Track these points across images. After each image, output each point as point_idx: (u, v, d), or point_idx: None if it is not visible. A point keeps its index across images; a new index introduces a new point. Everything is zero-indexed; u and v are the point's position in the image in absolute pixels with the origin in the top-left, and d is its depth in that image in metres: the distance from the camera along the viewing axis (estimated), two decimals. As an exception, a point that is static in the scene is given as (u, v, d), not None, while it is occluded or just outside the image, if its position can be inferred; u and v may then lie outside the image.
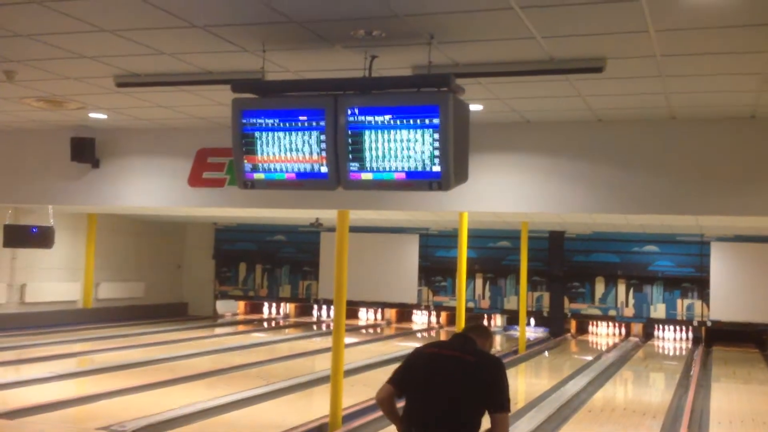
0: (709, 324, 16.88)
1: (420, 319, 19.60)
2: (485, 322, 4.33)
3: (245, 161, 5.22)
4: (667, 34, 4.53)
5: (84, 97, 6.91)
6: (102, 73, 5.93)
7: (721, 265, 16.57)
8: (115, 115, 7.66)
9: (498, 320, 19.02)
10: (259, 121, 5.12)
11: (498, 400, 3.57)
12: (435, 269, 18.54)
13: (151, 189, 8.35)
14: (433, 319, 19.30)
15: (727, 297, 16.46)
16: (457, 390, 3.59)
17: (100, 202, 8.69)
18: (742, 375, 12.87)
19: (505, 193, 7.20)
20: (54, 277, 16.31)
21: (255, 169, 5.23)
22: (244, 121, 5.15)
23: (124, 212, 15.34)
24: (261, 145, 5.15)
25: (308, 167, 5.08)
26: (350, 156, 4.94)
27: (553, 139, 7.06)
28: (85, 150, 8.27)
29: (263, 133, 5.13)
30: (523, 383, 11.86)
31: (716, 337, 16.94)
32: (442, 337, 16.75)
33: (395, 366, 3.87)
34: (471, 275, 17.79)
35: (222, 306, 20.36)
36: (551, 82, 5.69)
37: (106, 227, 17.03)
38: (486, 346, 3.84)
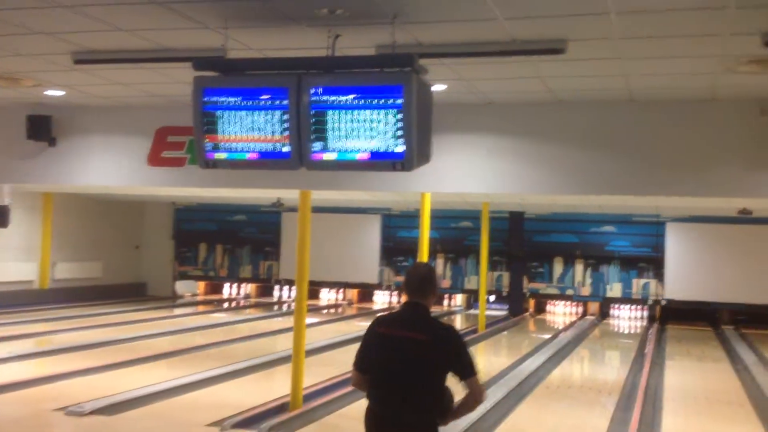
0: (663, 303, 17.22)
1: (381, 299, 19.68)
2: (426, 265, 4.14)
3: (206, 140, 5.18)
4: (627, 16, 4.59)
5: (40, 74, 6.78)
6: (59, 50, 5.82)
7: (676, 245, 16.89)
8: (72, 92, 7.53)
9: (458, 299, 19.19)
10: (221, 99, 5.07)
11: (464, 368, 3.62)
12: (397, 249, 18.62)
13: (109, 168, 8.24)
14: (395, 299, 19.39)
15: (682, 276, 16.80)
16: (415, 371, 3.60)
17: (57, 181, 8.56)
18: (695, 353, 13.17)
19: (467, 174, 7.24)
20: (9, 257, 16.02)
21: (216, 148, 5.18)
22: (206, 99, 5.10)
23: (82, 191, 15.10)
24: (222, 124, 5.11)
25: (270, 147, 5.06)
26: (313, 136, 4.93)
27: (515, 121, 7.11)
28: (42, 128, 8.13)
29: (225, 111, 5.09)
30: (482, 361, 12.00)
31: (671, 316, 17.28)
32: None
33: (356, 345, 3.89)
34: (433, 255, 17.88)
35: (182, 286, 20.21)
36: (513, 63, 5.72)
37: (62, 206, 16.75)
38: (433, 301, 3.77)
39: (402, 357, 3.63)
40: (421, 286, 3.76)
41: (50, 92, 7.55)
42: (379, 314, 3.91)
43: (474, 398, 3.67)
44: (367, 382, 3.77)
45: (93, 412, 7.11)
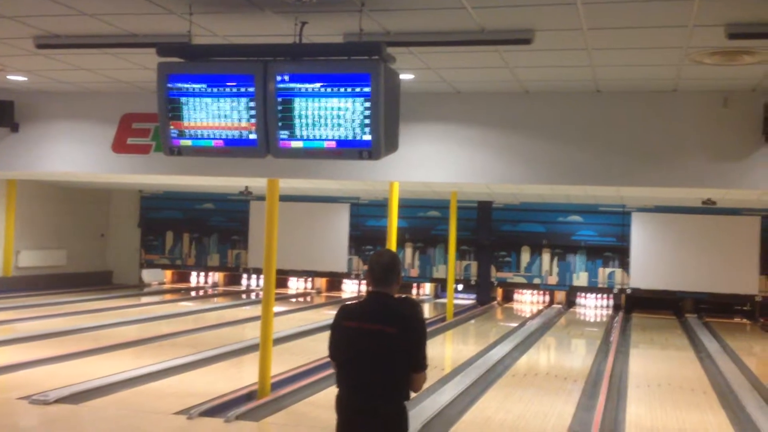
0: (629, 291, 17.42)
1: (350, 288, 19.69)
2: (389, 253, 4.14)
3: (171, 127, 5.13)
4: (594, 6, 4.62)
5: (2, 59, 6.66)
6: (21, 34, 5.72)
7: (641, 235, 17.09)
8: (35, 77, 7.41)
9: (427, 288, 19.26)
10: (186, 86, 5.03)
11: (418, 363, 3.65)
12: (365, 238, 18.61)
13: (73, 154, 8.13)
14: (363, 287, 19.39)
15: (647, 265, 17.01)
16: (384, 362, 3.63)
17: (20, 168, 8.43)
18: (659, 341, 13.35)
19: (434, 163, 7.26)
20: (-29, 245, 15.77)
21: (182, 135, 5.14)
22: (170, 85, 5.05)
23: (46, 178, 14.91)
24: (188, 111, 5.07)
25: (237, 134, 5.03)
26: (280, 123, 4.90)
27: (482, 110, 7.14)
28: (4, 114, 8.01)
29: (190, 98, 5.05)
30: (450, 349, 12.08)
31: (636, 305, 17.50)
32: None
33: (325, 334, 3.89)
34: (401, 244, 17.92)
35: (148, 275, 20.03)
36: (481, 53, 5.74)
37: (26, 193, 16.51)
38: (397, 288, 3.77)
39: (371, 349, 3.64)
40: (385, 275, 3.73)
41: (12, 77, 7.43)
42: (344, 304, 3.89)
43: (413, 391, 3.73)
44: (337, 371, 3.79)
45: (58, 401, 7.04)
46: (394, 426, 3.67)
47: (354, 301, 4.00)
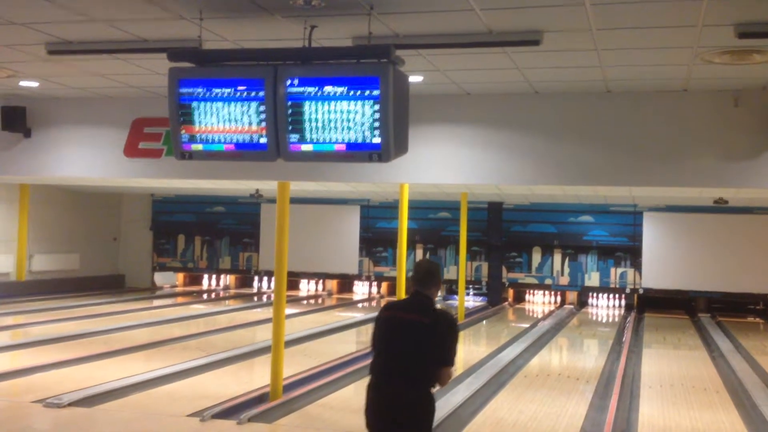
0: (641, 291, 17.36)
1: (361, 289, 19.69)
2: (429, 261, 4.48)
3: (182, 131, 5.16)
4: (602, 7, 4.62)
5: (14, 65, 6.72)
6: (33, 40, 5.76)
7: (653, 235, 17.03)
8: (47, 83, 7.47)
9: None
10: (197, 90, 5.06)
11: (444, 356, 3.96)
12: (376, 240, 18.63)
13: (85, 159, 8.19)
14: (374, 289, 19.42)
15: (659, 265, 16.95)
16: (413, 348, 3.93)
17: (33, 173, 8.49)
18: (672, 341, 13.30)
19: (444, 165, 7.27)
20: (-15, 250, 15.88)
21: (193, 139, 5.17)
22: (181, 90, 5.08)
23: (58, 183, 14.99)
24: (198, 115, 5.10)
25: (247, 138, 5.05)
26: (290, 127, 4.93)
27: (492, 111, 7.14)
28: (16, 119, 8.07)
29: (201, 103, 5.08)
30: (461, 351, 12.03)
31: (648, 304, 17.44)
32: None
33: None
34: (411, 246, 17.93)
35: (160, 278, 20.11)
36: (490, 54, 5.74)
37: (39, 198, 16.61)
38: (436, 292, 4.19)
39: (405, 336, 3.97)
40: (424, 278, 4.16)
41: (24, 83, 7.49)
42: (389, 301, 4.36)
43: (439, 384, 4.05)
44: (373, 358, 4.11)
45: (71, 404, 7.08)
46: (421, 411, 3.94)
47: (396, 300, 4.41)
